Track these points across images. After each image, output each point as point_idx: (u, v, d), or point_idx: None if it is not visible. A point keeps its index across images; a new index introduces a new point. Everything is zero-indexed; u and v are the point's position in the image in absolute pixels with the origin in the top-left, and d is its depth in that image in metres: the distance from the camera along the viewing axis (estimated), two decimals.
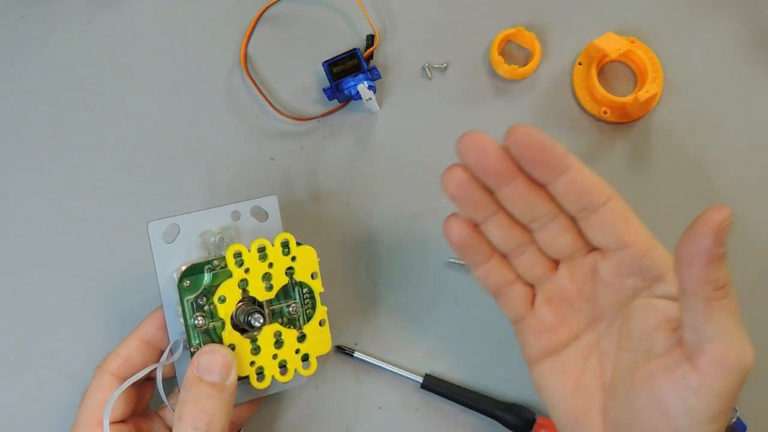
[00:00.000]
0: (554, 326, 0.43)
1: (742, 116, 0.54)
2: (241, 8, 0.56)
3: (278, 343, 0.45)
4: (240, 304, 0.44)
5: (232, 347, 0.43)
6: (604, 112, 0.54)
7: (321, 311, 0.46)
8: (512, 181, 0.40)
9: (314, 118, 0.55)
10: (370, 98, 0.52)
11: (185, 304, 0.43)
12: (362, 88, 0.51)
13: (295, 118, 0.54)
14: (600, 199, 0.39)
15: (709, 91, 0.55)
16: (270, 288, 0.44)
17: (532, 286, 0.44)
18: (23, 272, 0.52)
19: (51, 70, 0.56)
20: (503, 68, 0.54)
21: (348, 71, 0.52)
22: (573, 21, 0.56)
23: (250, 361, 0.44)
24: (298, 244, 0.45)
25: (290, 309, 0.45)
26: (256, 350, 0.44)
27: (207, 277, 0.43)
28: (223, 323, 0.43)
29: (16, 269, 0.52)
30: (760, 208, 0.53)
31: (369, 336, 0.52)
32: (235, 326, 0.44)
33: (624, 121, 0.54)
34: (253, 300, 0.44)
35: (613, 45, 0.52)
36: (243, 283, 0.44)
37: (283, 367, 0.45)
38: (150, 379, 0.47)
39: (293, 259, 0.45)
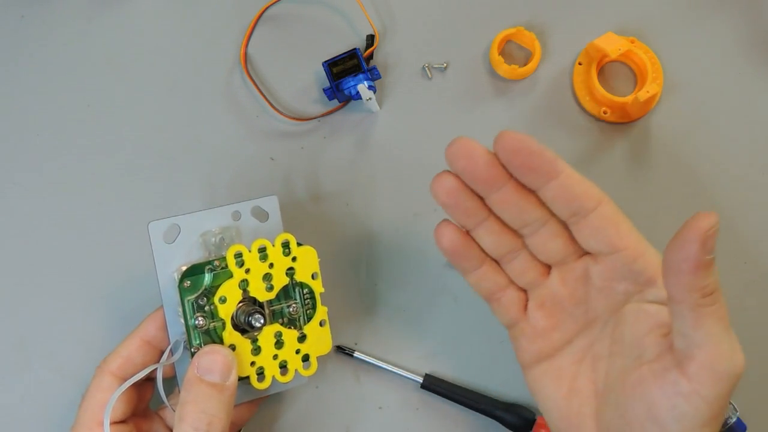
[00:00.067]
0: (547, 331, 0.43)
1: (742, 116, 0.54)
2: (241, 8, 0.56)
3: (279, 344, 0.45)
4: (240, 304, 0.44)
5: (233, 348, 0.43)
6: (604, 112, 0.54)
7: (321, 311, 0.46)
8: (502, 187, 0.40)
9: (314, 118, 0.55)
10: (370, 98, 0.52)
11: (186, 305, 0.43)
12: (362, 88, 0.51)
13: (295, 118, 0.54)
14: (590, 204, 0.39)
15: (709, 91, 0.55)
16: (270, 288, 0.44)
17: (524, 291, 0.44)
18: (23, 272, 0.52)
19: (51, 70, 0.56)
20: (503, 68, 0.54)
21: (348, 71, 0.52)
22: (573, 21, 0.56)
23: (250, 362, 0.44)
24: (299, 244, 0.45)
25: (291, 309, 0.45)
26: (256, 350, 0.44)
27: (208, 278, 0.43)
28: (224, 323, 0.43)
29: (16, 269, 0.52)
30: (760, 208, 0.53)
31: (369, 336, 0.52)
32: (236, 326, 0.44)
33: (624, 121, 0.54)
34: (254, 300, 0.44)
35: (613, 45, 0.52)
36: (244, 284, 0.44)
37: (283, 367, 0.45)
38: (150, 379, 0.47)
39: (294, 259, 0.45)
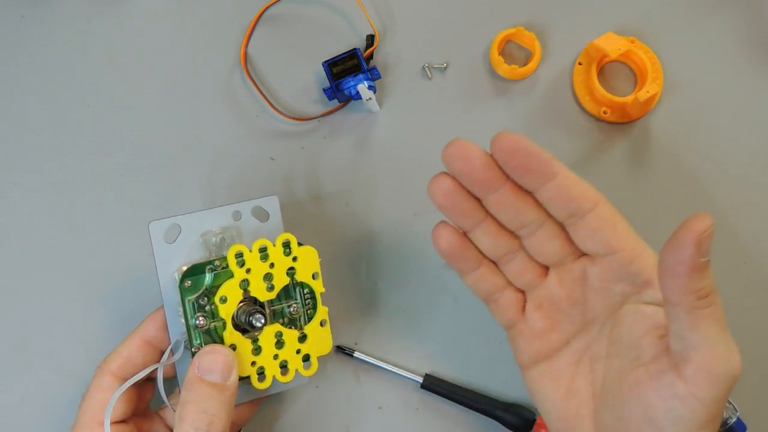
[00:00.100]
0: (545, 332, 0.43)
1: (742, 116, 0.54)
2: (241, 8, 0.56)
3: (279, 344, 0.45)
4: (241, 304, 0.44)
5: (233, 347, 0.43)
6: (604, 112, 0.54)
7: (322, 311, 0.46)
8: (499, 188, 0.40)
9: (314, 118, 0.55)
10: (370, 98, 0.52)
11: (186, 305, 0.43)
12: (362, 88, 0.51)
13: (295, 118, 0.54)
14: (587, 206, 0.39)
15: (709, 91, 0.55)
16: (271, 288, 0.44)
17: (522, 292, 0.44)
18: (23, 272, 0.52)
19: (51, 70, 0.56)
20: (503, 68, 0.54)
21: (348, 71, 0.52)
22: (573, 21, 0.56)
23: (251, 362, 0.44)
24: (300, 244, 0.45)
25: (291, 309, 0.45)
26: (257, 350, 0.44)
27: (208, 278, 0.43)
28: (225, 323, 0.43)
29: (16, 269, 0.52)
30: (760, 208, 0.53)
31: (369, 336, 0.52)
32: (236, 326, 0.44)
33: (624, 121, 0.54)
34: (255, 300, 0.44)
35: (613, 45, 0.52)
36: (244, 284, 0.44)
37: (284, 367, 0.45)
38: (150, 379, 0.47)
39: (294, 259, 0.45)
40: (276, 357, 0.44)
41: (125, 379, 0.43)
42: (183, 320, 0.43)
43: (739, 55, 0.55)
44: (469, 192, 0.41)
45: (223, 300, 0.43)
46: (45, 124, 0.55)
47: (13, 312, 0.52)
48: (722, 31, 0.56)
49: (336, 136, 0.55)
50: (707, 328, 0.34)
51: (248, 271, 0.44)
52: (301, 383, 0.47)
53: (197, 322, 0.43)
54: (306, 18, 0.57)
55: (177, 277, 0.43)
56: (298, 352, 0.45)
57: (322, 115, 0.55)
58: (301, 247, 0.45)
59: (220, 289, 0.43)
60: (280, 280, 0.44)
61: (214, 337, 0.43)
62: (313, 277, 0.45)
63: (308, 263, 0.45)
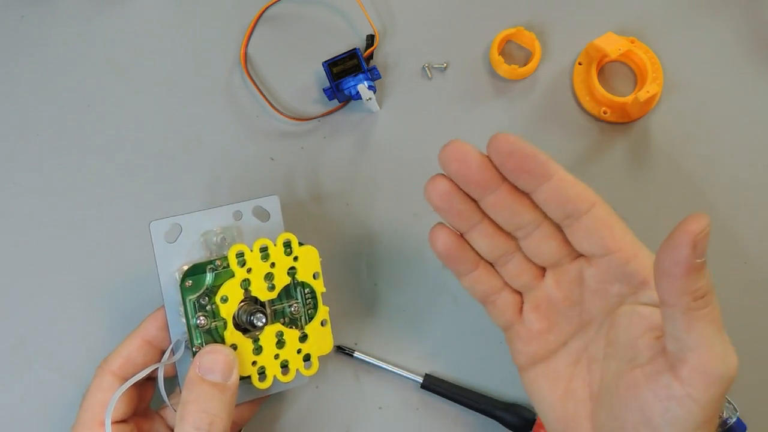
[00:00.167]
0: (542, 333, 0.43)
1: (742, 116, 0.55)
2: (241, 8, 0.56)
3: (280, 343, 0.45)
4: (242, 303, 0.44)
5: (234, 347, 0.43)
6: (604, 112, 0.54)
7: (323, 311, 0.46)
8: (496, 190, 0.40)
9: (314, 118, 0.55)
10: (370, 98, 0.52)
11: (187, 304, 0.43)
12: (362, 88, 0.51)
13: (295, 118, 0.54)
14: (583, 207, 0.39)
15: (709, 91, 0.55)
16: (272, 288, 0.44)
17: (519, 293, 0.44)
18: (23, 272, 0.52)
19: (51, 70, 0.56)
20: (503, 68, 0.54)
21: (348, 71, 0.52)
22: (573, 21, 0.56)
23: (251, 361, 0.44)
24: (300, 244, 0.45)
25: (292, 309, 0.45)
26: (257, 350, 0.44)
27: (209, 277, 0.43)
28: (225, 323, 0.43)
29: (16, 269, 0.52)
30: (759, 208, 0.53)
31: (369, 336, 0.52)
32: (237, 326, 0.44)
33: (624, 121, 0.54)
34: (255, 300, 0.44)
35: (613, 45, 0.52)
36: (245, 283, 0.44)
37: (284, 367, 0.45)
38: (151, 379, 0.47)
39: (295, 259, 0.45)
40: (277, 357, 0.44)
41: (126, 379, 0.43)
42: (184, 320, 0.43)
43: (739, 55, 0.55)
44: (465, 194, 0.41)
45: (224, 299, 0.43)
46: (45, 124, 0.55)
47: (13, 312, 0.52)
48: (722, 31, 0.56)
49: (336, 136, 0.55)
50: (703, 329, 0.34)
51: (249, 270, 0.44)
52: (301, 383, 0.47)
53: (198, 321, 0.43)
54: (306, 18, 0.57)
55: (178, 277, 0.43)
56: (298, 351, 0.45)
57: (322, 115, 0.55)
58: (302, 247, 0.45)
59: (221, 288, 0.43)
60: (281, 280, 0.44)
61: (215, 336, 0.43)
62: (314, 276, 0.45)
63: (309, 263, 0.45)
